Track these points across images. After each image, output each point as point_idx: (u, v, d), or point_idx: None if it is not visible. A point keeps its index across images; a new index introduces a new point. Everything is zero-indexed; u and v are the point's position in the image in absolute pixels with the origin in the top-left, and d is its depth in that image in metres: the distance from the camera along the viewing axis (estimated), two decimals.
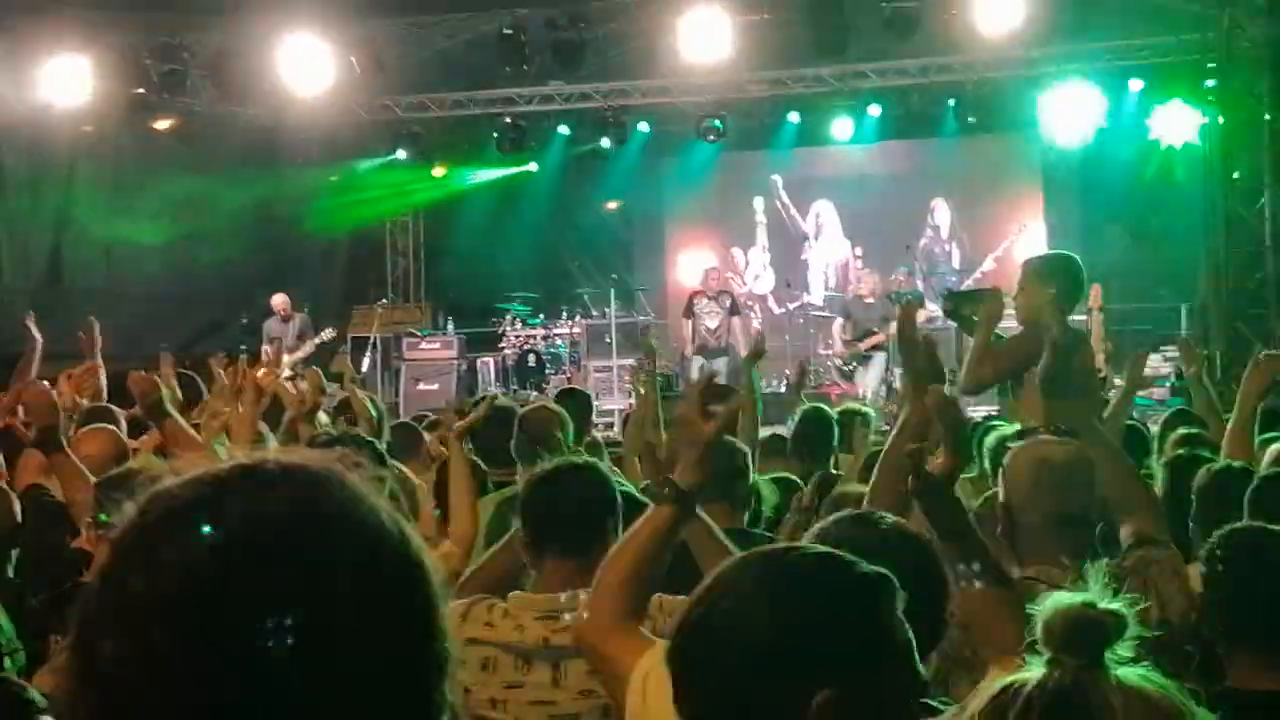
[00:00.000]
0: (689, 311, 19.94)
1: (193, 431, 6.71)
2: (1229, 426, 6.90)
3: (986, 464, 7.00)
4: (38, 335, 10.43)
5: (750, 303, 22.58)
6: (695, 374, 19.16)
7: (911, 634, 2.35)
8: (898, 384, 18.66)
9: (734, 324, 19.78)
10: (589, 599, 3.53)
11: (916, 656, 2.36)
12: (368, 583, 1.52)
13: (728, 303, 19.92)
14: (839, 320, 19.70)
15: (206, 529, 1.50)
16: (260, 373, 7.42)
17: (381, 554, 1.55)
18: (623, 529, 4.14)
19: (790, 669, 2.28)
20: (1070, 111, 20.51)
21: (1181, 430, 7.58)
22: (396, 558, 1.57)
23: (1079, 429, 4.87)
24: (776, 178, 22.52)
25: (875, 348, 19.04)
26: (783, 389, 17.02)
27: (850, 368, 19.32)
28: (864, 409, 9.84)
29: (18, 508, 5.71)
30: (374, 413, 8.69)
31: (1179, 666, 4.11)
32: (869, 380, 18.94)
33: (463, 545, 5.72)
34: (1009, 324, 8.14)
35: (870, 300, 19.44)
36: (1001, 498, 4.50)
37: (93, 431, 7.21)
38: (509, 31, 18.11)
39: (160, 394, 6.68)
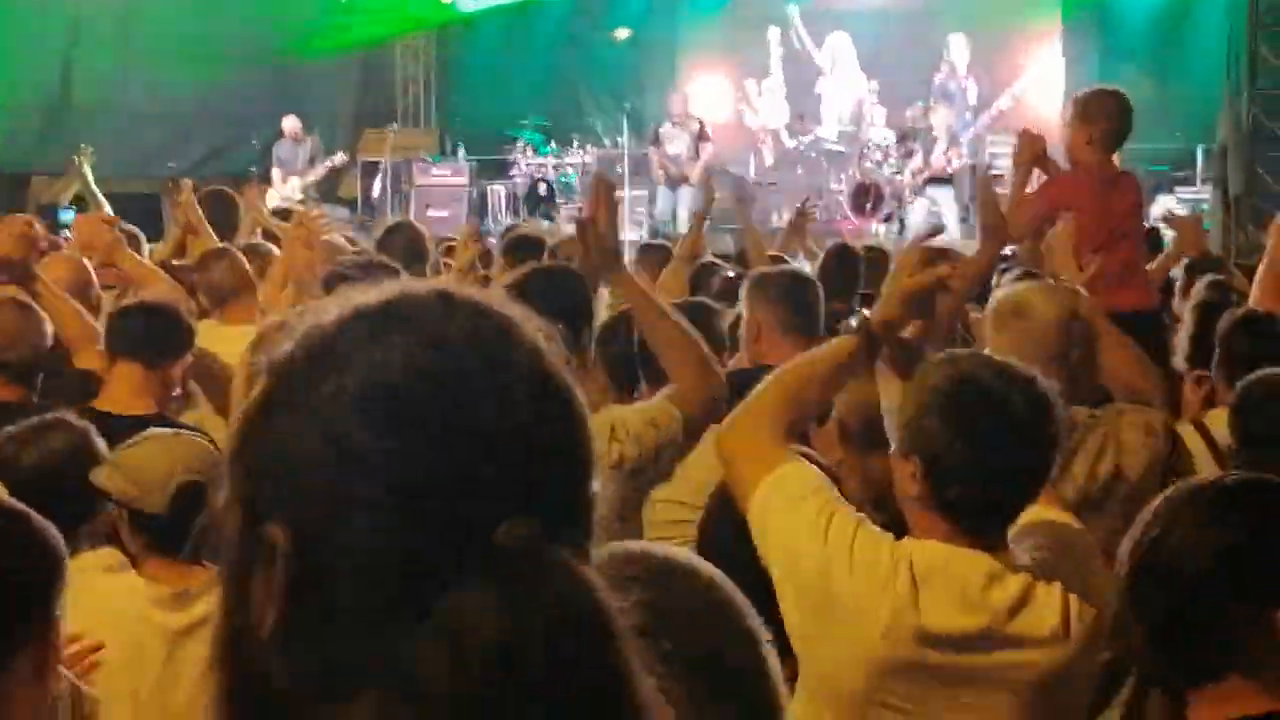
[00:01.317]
0: (655, 139, 19.86)
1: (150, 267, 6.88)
2: (1259, 272, 6.82)
3: None
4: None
5: (762, 135, 22.36)
6: (661, 203, 19.22)
7: None
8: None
9: (702, 150, 19.81)
10: (743, 404, 3.39)
11: None
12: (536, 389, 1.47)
13: (695, 128, 19.82)
14: (919, 153, 19.45)
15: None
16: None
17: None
18: None
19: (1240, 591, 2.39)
20: None
21: (1209, 276, 7.53)
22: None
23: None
24: (793, 8, 22.19)
25: (932, 180, 18.92)
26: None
27: (912, 200, 19.12)
28: (887, 248, 9.82)
29: (49, 329, 5.69)
30: None
31: (1126, 510, 4.09)
32: (923, 215, 18.68)
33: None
34: None
35: (937, 134, 19.26)
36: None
37: (55, 259, 7.16)
38: None
39: (115, 236, 6.87)
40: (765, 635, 2.03)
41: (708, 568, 1.93)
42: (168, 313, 5.64)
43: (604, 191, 4.50)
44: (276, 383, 1.49)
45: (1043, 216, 7.42)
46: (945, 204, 18.89)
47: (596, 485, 1.48)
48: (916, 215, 18.81)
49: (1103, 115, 7.99)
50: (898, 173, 19.40)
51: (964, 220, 18.52)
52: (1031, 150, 7.63)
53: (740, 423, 3.34)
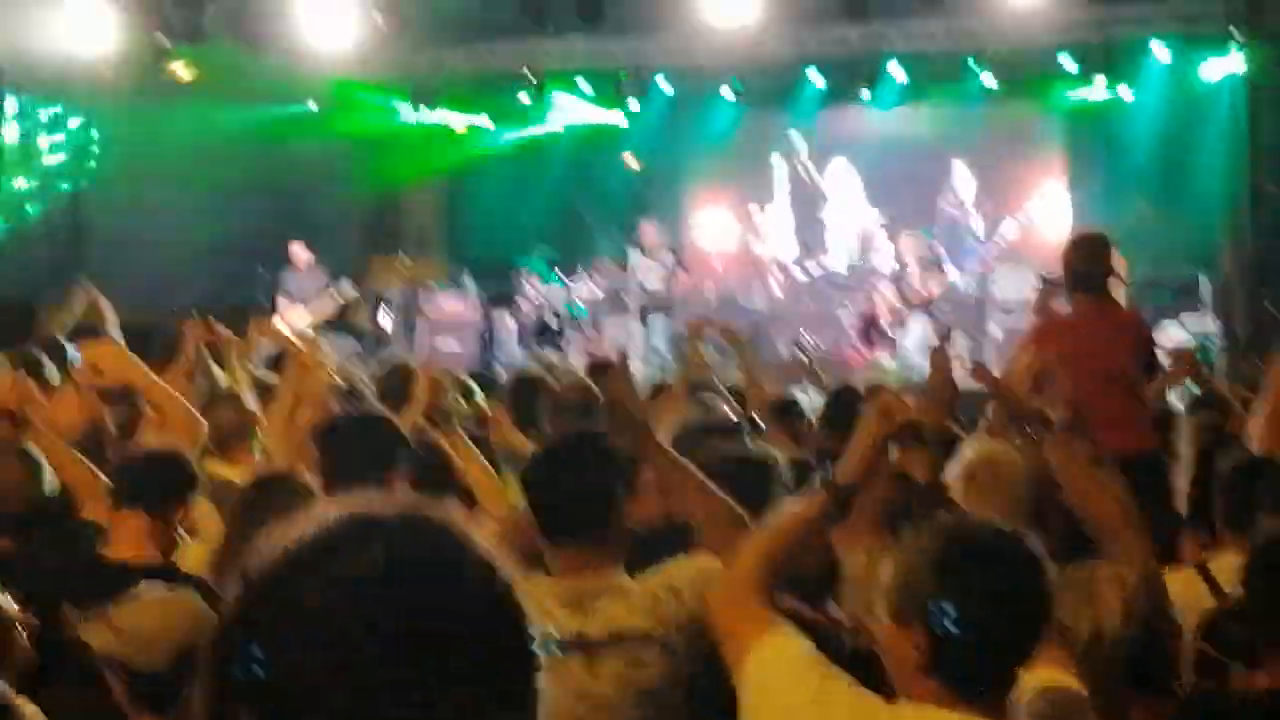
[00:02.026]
0: (624, 268, 20.03)
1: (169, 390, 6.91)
2: (1261, 414, 6.82)
3: None
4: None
5: (769, 265, 22.47)
6: (658, 332, 19.29)
7: None
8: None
9: (677, 280, 20.01)
10: (732, 571, 3.50)
11: None
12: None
13: (669, 259, 19.94)
14: (890, 285, 19.61)
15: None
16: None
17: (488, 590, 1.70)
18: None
19: None
20: (1094, 76, 20.48)
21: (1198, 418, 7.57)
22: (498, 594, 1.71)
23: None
24: (798, 139, 22.36)
25: (912, 310, 18.99)
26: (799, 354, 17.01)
27: (893, 332, 19.21)
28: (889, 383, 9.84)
29: (50, 477, 5.72)
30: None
31: (1108, 669, 4.13)
32: (910, 341, 18.76)
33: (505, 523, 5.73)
34: None
35: (909, 264, 19.38)
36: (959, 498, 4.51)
37: (61, 400, 7.20)
38: None
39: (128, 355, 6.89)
40: None
41: None
42: (171, 460, 5.65)
43: (623, 371, 4.58)
44: (252, 593, 1.67)
45: (1033, 365, 7.47)
46: (918, 332, 18.94)
47: (540, 680, 1.69)
48: (910, 342, 18.92)
49: (1078, 259, 8.06)
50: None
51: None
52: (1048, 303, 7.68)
53: (727, 588, 3.43)
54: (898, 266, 19.79)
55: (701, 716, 4.13)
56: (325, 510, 1.73)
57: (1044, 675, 3.35)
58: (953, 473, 4.77)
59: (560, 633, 4.13)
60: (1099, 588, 4.36)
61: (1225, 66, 18.04)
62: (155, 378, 7.07)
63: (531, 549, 4.44)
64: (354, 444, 5.28)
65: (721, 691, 3.43)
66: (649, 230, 20.26)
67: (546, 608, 4.14)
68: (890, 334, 19.38)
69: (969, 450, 4.82)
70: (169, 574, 5.01)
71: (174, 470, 5.60)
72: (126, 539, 5.33)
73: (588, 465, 4.32)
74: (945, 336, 18.24)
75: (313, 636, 1.60)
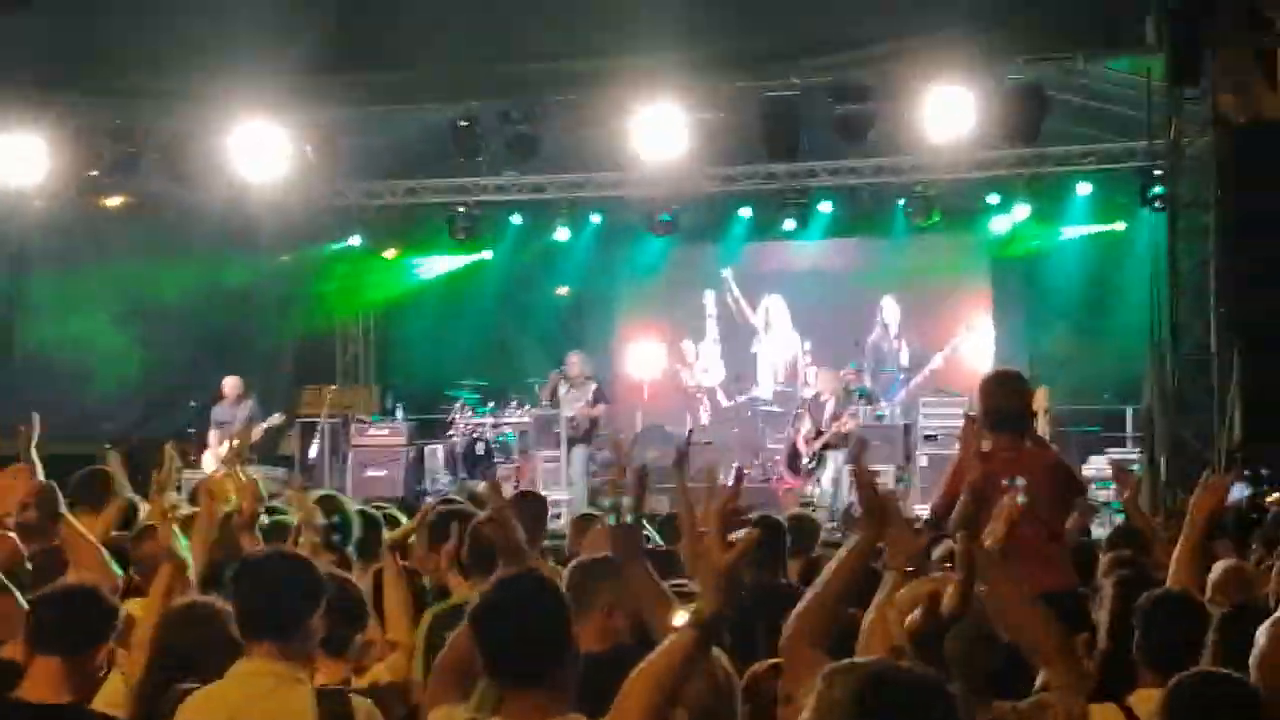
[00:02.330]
0: (553, 396, 20.00)
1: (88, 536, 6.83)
2: (1178, 548, 6.86)
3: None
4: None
5: (699, 395, 22.58)
6: (577, 463, 19.29)
7: None
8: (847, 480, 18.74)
9: (597, 411, 20.01)
10: (615, 712, 3.53)
11: None
12: None
13: (591, 389, 19.99)
14: (807, 420, 19.72)
15: None
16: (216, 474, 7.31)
17: None
18: None
19: None
20: (1015, 214, 20.77)
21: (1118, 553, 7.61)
22: None
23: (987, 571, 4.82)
24: (727, 272, 22.57)
25: (827, 446, 19.10)
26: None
27: (811, 466, 19.33)
28: (812, 516, 9.84)
29: None
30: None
31: None
32: (825, 478, 18.97)
33: (406, 654, 5.73)
34: None
35: (825, 399, 19.50)
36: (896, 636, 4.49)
37: None
38: (464, 123, 18.09)
39: (55, 497, 6.76)
40: None
41: None
42: (87, 602, 5.52)
43: (496, 492, 4.64)
44: None
45: (947, 504, 7.51)
46: (832, 466, 19.08)
47: None
48: (826, 476, 19.05)
49: (987, 398, 8.11)
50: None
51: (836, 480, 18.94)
52: (971, 441, 7.61)
53: None
54: (815, 400, 19.90)
55: None
56: None
57: None
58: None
59: None
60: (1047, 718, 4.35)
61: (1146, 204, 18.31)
62: (74, 526, 7.01)
63: (474, 675, 4.45)
64: (265, 585, 5.17)
65: None
66: (574, 361, 20.33)
67: None
68: (809, 466, 19.47)
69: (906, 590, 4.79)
70: (79, 717, 4.94)
71: (91, 611, 5.48)
72: (42, 680, 5.24)
73: (536, 609, 4.27)
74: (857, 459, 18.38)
75: None
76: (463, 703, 4.41)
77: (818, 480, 19.09)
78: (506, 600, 4.34)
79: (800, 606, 4.45)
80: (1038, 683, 4.75)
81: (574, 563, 5.89)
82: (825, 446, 19.14)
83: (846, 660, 3.35)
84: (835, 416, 19.25)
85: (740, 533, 3.87)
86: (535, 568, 4.79)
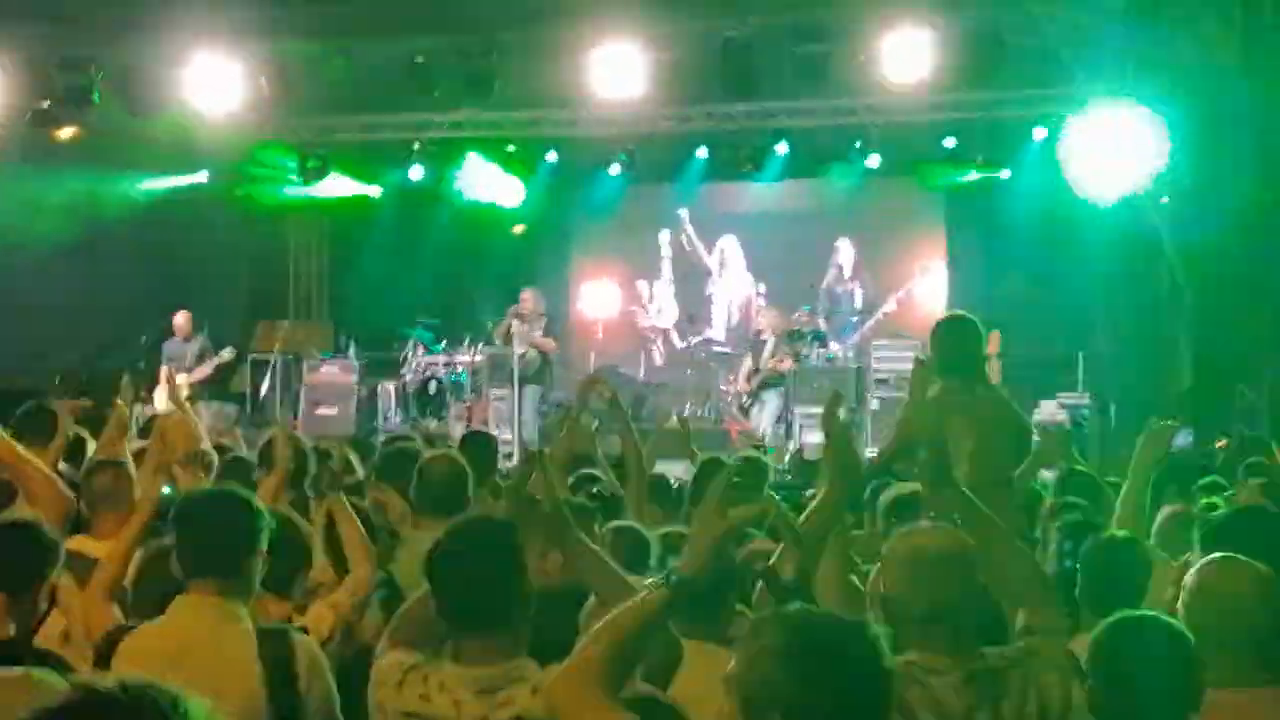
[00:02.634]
0: (506, 335, 19.95)
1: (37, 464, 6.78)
2: (1123, 493, 6.91)
3: (880, 523, 6.97)
4: None
5: (653, 335, 22.57)
6: (529, 402, 19.29)
7: None
8: (795, 422, 18.79)
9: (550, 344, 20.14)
10: (570, 663, 3.47)
11: None
12: None
13: (542, 326, 19.98)
14: (748, 358, 19.81)
15: None
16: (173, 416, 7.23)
17: None
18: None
19: None
20: (972, 156, 20.78)
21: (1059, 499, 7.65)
22: None
23: (965, 513, 4.80)
24: (683, 212, 22.54)
25: (764, 385, 19.14)
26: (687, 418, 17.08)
27: (748, 404, 19.41)
28: (762, 459, 9.81)
29: None
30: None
31: None
32: (764, 418, 19.04)
33: (359, 593, 5.70)
34: None
35: (766, 337, 19.56)
36: (881, 586, 4.46)
37: None
38: (420, 59, 18.00)
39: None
40: None
41: None
42: (26, 538, 5.42)
43: (538, 466, 4.62)
44: None
45: (895, 447, 7.53)
46: (771, 405, 19.15)
47: None
48: (765, 414, 19.14)
49: (939, 343, 8.09)
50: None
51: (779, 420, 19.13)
52: (918, 384, 7.60)
53: (570, 684, 3.40)
54: (756, 338, 19.96)
55: None
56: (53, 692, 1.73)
57: None
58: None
59: (465, 718, 4.20)
60: (1040, 671, 4.34)
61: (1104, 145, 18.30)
62: (20, 453, 6.91)
63: (434, 627, 4.48)
64: (205, 524, 5.13)
65: None
66: (527, 297, 20.26)
67: (456, 696, 4.21)
68: (746, 404, 19.54)
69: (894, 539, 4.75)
70: (19, 651, 4.90)
71: (31, 545, 5.38)
72: None
73: (491, 558, 4.31)
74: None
75: None
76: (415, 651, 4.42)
77: (757, 420, 19.13)
78: (461, 547, 4.36)
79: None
80: (1018, 626, 4.75)
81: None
82: (762, 385, 19.20)
83: (770, 609, 3.35)
84: (774, 355, 19.32)
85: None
86: (489, 513, 4.78)
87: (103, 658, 5.06)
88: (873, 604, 4.25)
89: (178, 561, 5.03)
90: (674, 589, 3.48)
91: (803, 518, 4.59)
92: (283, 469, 6.90)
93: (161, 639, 4.84)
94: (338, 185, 23.29)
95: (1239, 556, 4.65)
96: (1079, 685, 4.35)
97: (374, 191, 23.76)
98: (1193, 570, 4.69)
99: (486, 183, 22.58)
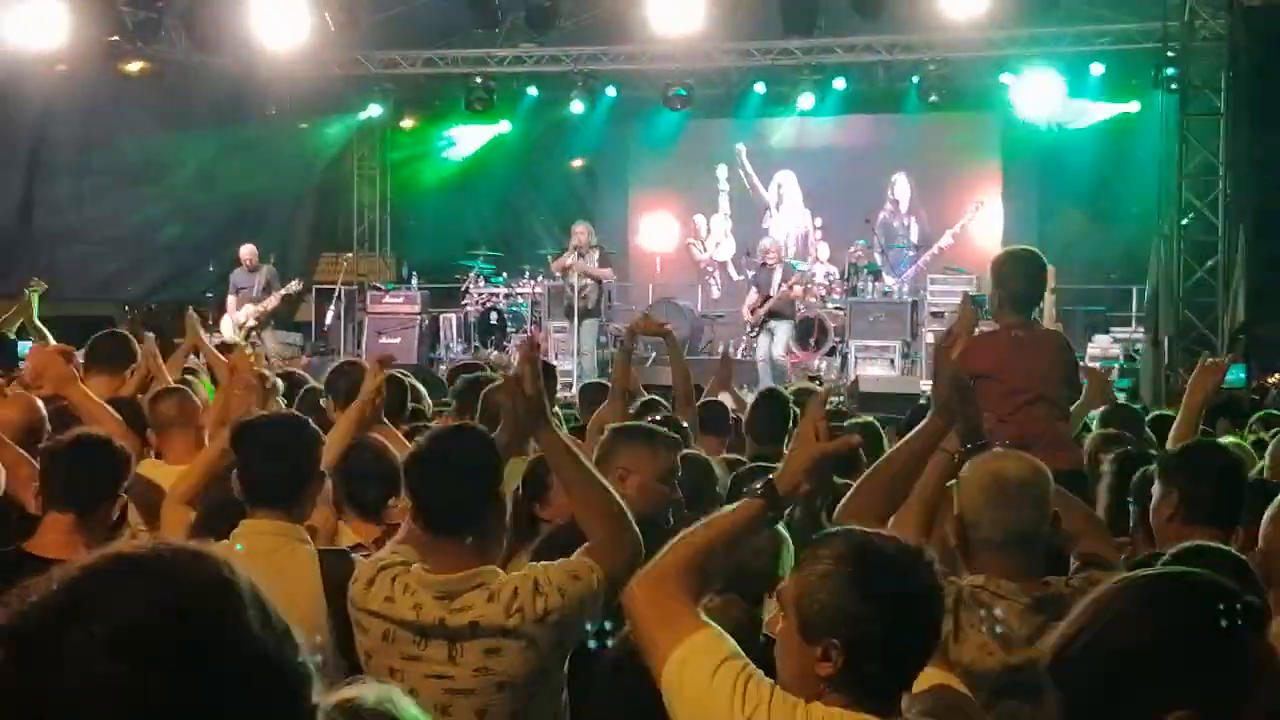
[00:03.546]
0: (565, 270, 19.84)
1: (102, 406, 6.66)
2: (1175, 425, 6.86)
3: None
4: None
5: (710, 268, 22.53)
6: (587, 334, 19.22)
7: None
8: (850, 354, 18.73)
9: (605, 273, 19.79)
10: (656, 562, 3.43)
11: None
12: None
13: (595, 257, 19.86)
14: (752, 289, 19.57)
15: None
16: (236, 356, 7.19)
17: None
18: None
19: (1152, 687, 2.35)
20: (1032, 93, 20.60)
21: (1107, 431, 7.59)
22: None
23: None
24: (741, 146, 22.46)
25: (774, 315, 18.96)
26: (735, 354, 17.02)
27: (755, 334, 19.14)
28: (813, 389, 9.82)
29: None
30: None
31: None
32: (776, 347, 18.74)
33: None
34: None
35: (772, 264, 19.32)
36: (956, 509, 4.45)
37: (7, 400, 7.07)
38: None
39: (69, 370, 6.67)
40: None
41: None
42: (98, 459, 5.43)
43: (530, 354, 4.58)
44: (21, 642, 1.56)
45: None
46: (781, 335, 19.00)
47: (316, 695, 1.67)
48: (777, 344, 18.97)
49: (1008, 278, 7.94)
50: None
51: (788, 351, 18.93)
52: (965, 322, 7.47)
53: (649, 586, 3.37)
54: (763, 267, 19.72)
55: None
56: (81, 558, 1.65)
57: (934, 677, 3.35)
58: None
59: (424, 621, 4.23)
60: None
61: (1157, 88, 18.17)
62: (86, 391, 6.92)
63: None
64: (267, 450, 5.17)
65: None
66: (580, 232, 20.18)
67: (418, 598, 4.25)
68: (753, 335, 19.32)
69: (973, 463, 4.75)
70: None
71: (100, 469, 5.39)
72: (54, 534, 5.24)
73: (464, 466, 4.34)
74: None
75: (94, 672, 1.53)
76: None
77: (765, 350, 18.88)
78: (437, 453, 4.41)
79: (860, 482, 4.41)
80: (1074, 558, 4.73)
81: (611, 427, 5.88)
82: (771, 314, 18.92)
83: (829, 529, 3.34)
84: (784, 282, 19.16)
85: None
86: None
87: None
88: (944, 523, 4.22)
89: (241, 485, 5.07)
90: (770, 501, 3.47)
91: (901, 442, 4.56)
92: (371, 399, 6.83)
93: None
94: (399, 119, 23.33)
95: None
96: None
97: (435, 125, 23.79)
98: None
99: None
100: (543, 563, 4.39)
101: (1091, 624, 2.44)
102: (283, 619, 1.67)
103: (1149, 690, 2.35)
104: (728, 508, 3.59)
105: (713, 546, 3.42)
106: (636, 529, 4.39)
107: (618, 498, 4.42)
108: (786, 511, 3.74)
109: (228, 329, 18.74)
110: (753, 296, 19.31)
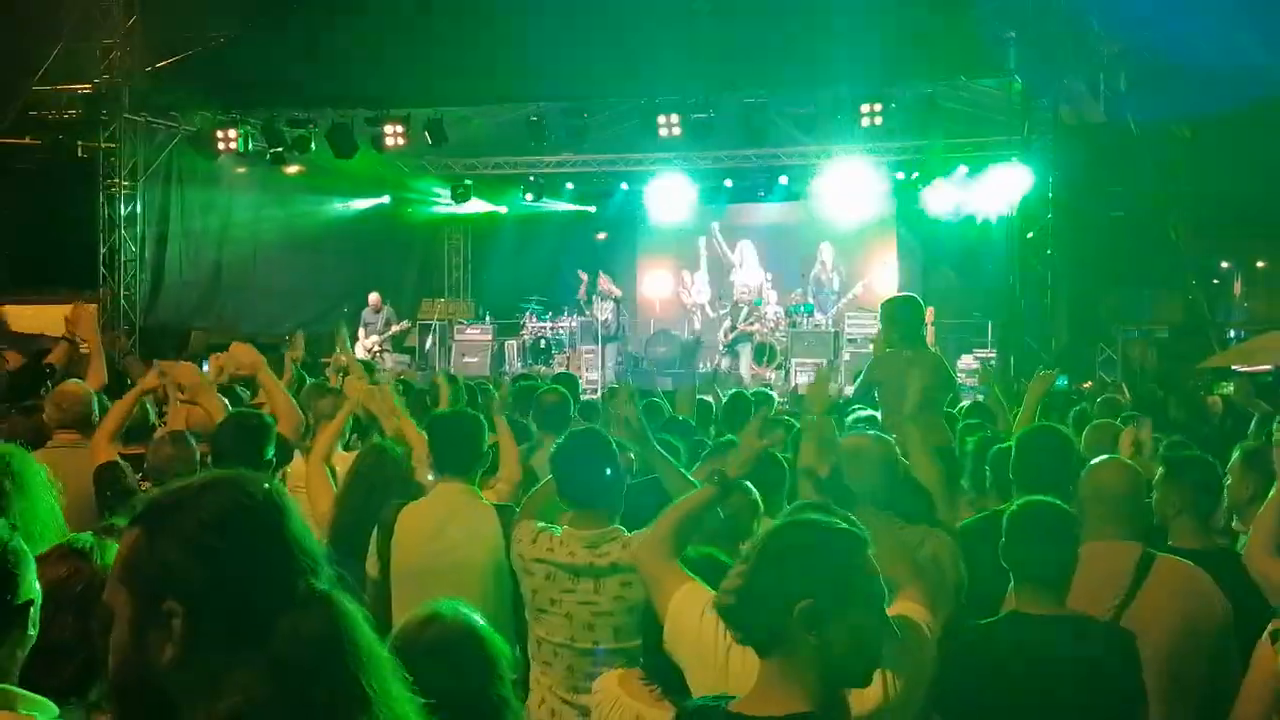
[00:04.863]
0: (587, 305, 20.00)
1: (277, 384, 6.42)
2: (1019, 418, 6.86)
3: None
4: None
5: (693, 308, 22.52)
6: (609, 355, 19.35)
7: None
8: (791, 368, 18.71)
9: (622, 319, 20.36)
10: (649, 533, 3.46)
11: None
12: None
13: (613, 301, 19.99)
14: (726, 320, 19.78)
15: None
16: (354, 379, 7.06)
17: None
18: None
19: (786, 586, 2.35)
20: (919, 186, 20.63)
21: (970, 421, 7.59)
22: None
23: (903, 434, 4.78)
24: (714, 224, 22.41)
25: (739, 339, 19.16)
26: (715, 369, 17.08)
27: (724, 354, 19.34)
28: (769, 393, 9.82)
29: (198, 456, 5.40)
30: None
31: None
32: (741, 363, 19.00)
33: (514, 479, 5.49)
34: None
35: (741, 305, 19.66)
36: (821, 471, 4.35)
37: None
38: (535, 118, 18.00)
39: (259, 356, 6.49)
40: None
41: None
42: (254, 428, 5.26)
43: (625, 404, 4.56)
44: (147, 522, 1.78)
45: (863, 387, 7.55)
46: (745, 357, 19.11)
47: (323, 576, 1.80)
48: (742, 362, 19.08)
49: (899, 315, 7.99)
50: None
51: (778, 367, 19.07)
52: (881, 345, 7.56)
53: (645, 551, 3.42)
54: (734, 305, 19.91)
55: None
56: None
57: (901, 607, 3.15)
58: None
59: (578, 563, 4.26)
60: (931, 541, 4.28)
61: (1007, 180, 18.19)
62: (273, 377, 6.64)
63: (548, 506, 4.61)
64: (454, 434, 5.14)
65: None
66: (603, 281, 20.34)
67: (571, 548, 4.28)
68: (723, 353, 19.47)
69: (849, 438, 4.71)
70: None
71: (258, 433, 5.23)
72: None
73: (595, 456, 4.37)
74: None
75: (199, 543, 1.75)
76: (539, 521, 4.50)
77: (733, 365, 19.08)
78: (577, 448, 4.44)
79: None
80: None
81: None
82: (737, 340, 19.15)
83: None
84: (745, 319, 19.36)
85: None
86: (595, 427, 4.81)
87: (358, 522, 5.12)
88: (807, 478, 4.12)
89: (434, 458, 5.08)
90: (720, 486, 3.48)
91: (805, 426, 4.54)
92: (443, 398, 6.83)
93: (433, 510, 4.96)
94: (477, 205, 23.38)
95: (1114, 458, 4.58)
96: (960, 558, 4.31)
97: (502, 209, 23.84)
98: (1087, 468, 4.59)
99: None
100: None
101: (756, 552, 2.44)
102: (304, 523, 1.83)
103: (782, 589, 2.35)
104: (694, 491, 3.60)
105: (685, 519, 3.44)
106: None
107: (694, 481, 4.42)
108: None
109: (358, 352, 18.73)
110: (725, 325, 19.43)
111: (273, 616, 1.73)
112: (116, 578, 1.78)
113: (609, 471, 4.36)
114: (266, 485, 1.82)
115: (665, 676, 3.29)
